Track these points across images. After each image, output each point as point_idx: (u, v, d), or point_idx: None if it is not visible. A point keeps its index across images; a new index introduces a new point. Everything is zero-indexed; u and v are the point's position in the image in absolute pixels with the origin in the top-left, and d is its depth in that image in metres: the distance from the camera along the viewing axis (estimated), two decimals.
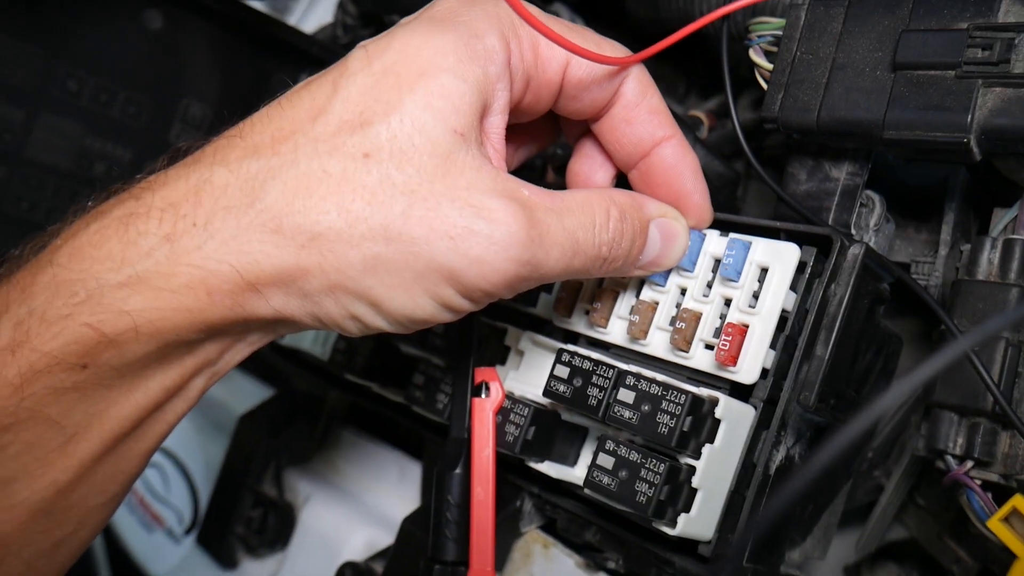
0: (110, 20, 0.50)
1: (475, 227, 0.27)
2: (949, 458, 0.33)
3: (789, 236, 0.33)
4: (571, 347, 0.34)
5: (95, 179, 0.52)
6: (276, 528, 0.47)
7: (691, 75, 0.63)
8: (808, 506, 0.36)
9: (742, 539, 0.31)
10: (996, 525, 0.28)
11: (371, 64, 0.28)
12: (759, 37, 0.37)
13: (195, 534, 0.52)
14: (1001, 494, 0.32)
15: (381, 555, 0.42)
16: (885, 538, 0.43)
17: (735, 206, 0.48)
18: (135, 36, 0.51)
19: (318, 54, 0.55)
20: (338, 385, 0.46)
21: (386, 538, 0.43)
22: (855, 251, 0.31)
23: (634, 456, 0.31)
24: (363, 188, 0.27)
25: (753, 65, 0.37)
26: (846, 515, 0.41)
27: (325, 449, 0.50)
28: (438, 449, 0.42)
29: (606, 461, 0.31)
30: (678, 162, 0.33)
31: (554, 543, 0.38)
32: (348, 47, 0.57)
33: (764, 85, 0.35)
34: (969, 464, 0.32)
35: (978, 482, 0.31)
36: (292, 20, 0.67)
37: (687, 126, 0.44)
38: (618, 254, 0.31)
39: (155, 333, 0.27)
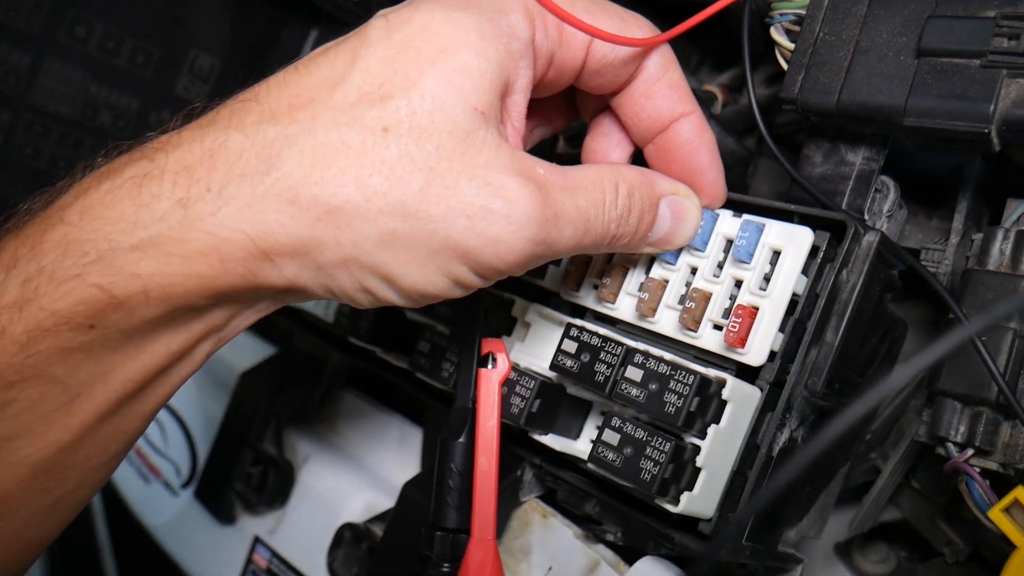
0: None
1: (492, 206, 0.27)
2: (950, 445, 0.33)
3: (803, 220, 0.33)
4: (579, 322, 0.34)
5: (100, 128, 0.51)
6: (275, 486, 0.47)
7: (704, 48, 0.62)
8: (806, 487, 0.36)
9: (742, 518, 0.31)
10: (997, 515, 0.28)
11: (391, 35, 0.28)
12: (781, 15, 0.36)
13: (193, 488, 0.53)
14: (999, 483, 0.32)
15: (380, 518, 0.42)
16: (878, 519, 0.43)
17: (745, 184, 0.47)
18: None
19: (329, 10, 0.55)
20: (341, 347, 0.46)
21: (385, 501, 0.44)
22: (870, 238, 0.31)
23: (640, 434, 0.31)
24: (382, 163, 0.26)
25: (773, 43, 0.37)
26: (841, 495, 0.42)
27: (325, 410, 0.50)
28: (440, 416, 0.43)
29: (611, 437, 0.32)
30: (695, 138, 0.33)
31: (553, 513, 0.39)
32: (359, 5, 0.56)
33: (784, 65, 0.35)
34: (970, 452, 0.32)
35: (978, 470, 0.32)
36: None
37: (702, 101, 0.44)
38: (626, 231, 0.30)
39: (165, 298, 0.27)
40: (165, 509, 0.55)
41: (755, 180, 0.50)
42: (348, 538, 0.42)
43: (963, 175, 0.35)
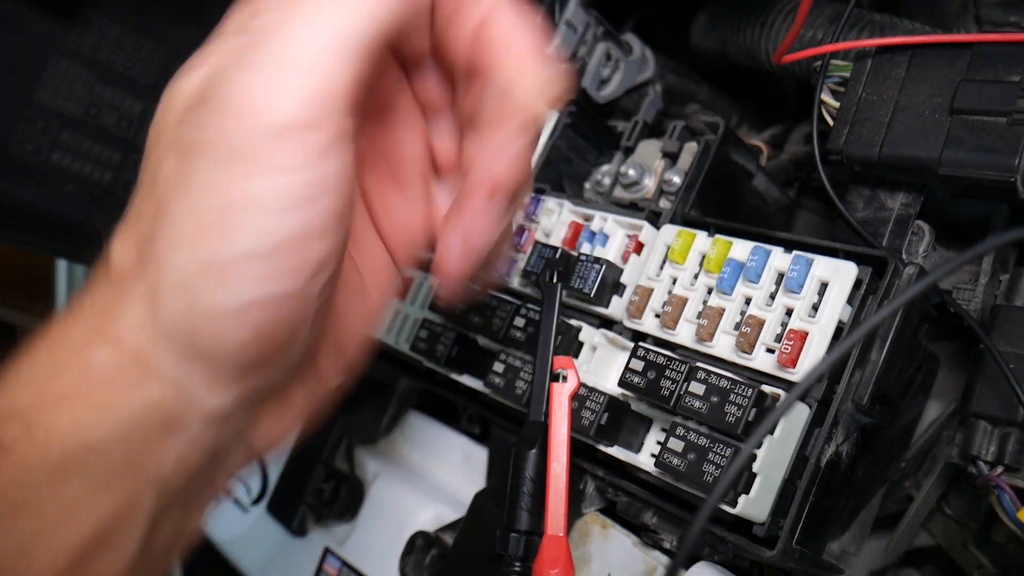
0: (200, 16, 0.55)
1: None
2: (981, 464, 0.36)
3: (847, 256, 0.37)
4: (646, 344, 0.38)
5: (103, 127, 0.54)
6: (346, 500, 0.50)
7: (744, 108, 0.67)
8: (849, 502, 0.39)
9: (795, 520, 0.34)
10: None
11: None
12: (828, 77, 0.41)
13: (264, 504, 0.56)
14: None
15: (450, 527, 0.46)
16: (912, 544, 0.46)
17: (788, 230, 0.52)
18: None
19: None
20: (411, 372, 0.50)
21: (452, 514, 0.47)
22: (910, 271, 0.35)
23: (703, 441, 0.35)
24: None
25: (819, 103, 0.41)
26: (877, 522, 0.45)
27: (394, 431, 0.54)
28: (505, 434, 0.46)
29: (676, 444, 0.35)
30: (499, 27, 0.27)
31: (612, 524, 0.42)
32: None
33: (831, 121, 0.40)
34: (1000, 469, 0.36)
35: (1007, 484, 0.35)
36: None
37: (751, 155, 0.48)
38: None
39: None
40: (235, 525, 0.58)
41: (795, 229, 0.54)
42: (420, 545, 0.45)
43: (991, 221, 0.40)
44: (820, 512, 0.36)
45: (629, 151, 0.50)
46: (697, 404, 0.35)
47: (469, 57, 0.28)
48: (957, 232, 0.41)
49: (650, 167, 0.48)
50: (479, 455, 0.50)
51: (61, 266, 0.93)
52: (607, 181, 0.50)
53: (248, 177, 0.24)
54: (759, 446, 0.34)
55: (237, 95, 0.24)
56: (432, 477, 0.50)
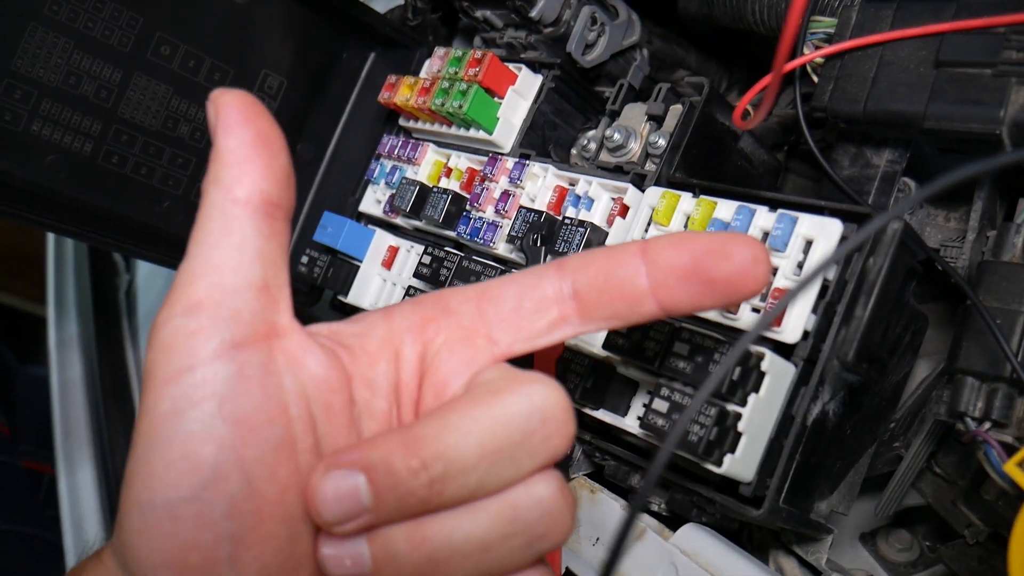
0: None
1: None
2: (969, 420, 0.36)
3: (832, 213, 0.36)
4: None
5: (179, 139, 0.56)
6: None
7: (733, 71, 0.66)
8: (837, 461, 0.39)
9: (781, 479, 0.34)
10: (1012, 469, 0.31)
11: None
12: (812, 34, 0.40)
13: None
14: (1012, 454, 0.35)
15: None
16: (902, 504, 0.46)
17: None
18: (225, 9, 0.55)
19: (388, 34, 0.59)
20: None
21: None
22: (895, 226, 0.34)
23: (687, 401, 0.34)
24: None
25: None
26: (867, 484, 0.45)
27: None
28: None
29: (661, 405, 0.35)
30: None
31: (600, 488, 0.42)
32: (416, 29, 0.61)
33: (815, 78, 0.39)
34: (987, 425, 0.36)
35: (995, 439, 0.35)
36: None
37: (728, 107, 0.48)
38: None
39: None
40: None
41: (783, 191, 0.54)
42: None
43: (978, 177, 0.39)
44: (807, 471, 0.36)
45: (615, 115, 0.49)
46: (681, 364, 0.35)
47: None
48: (944, 191, 0.41)
49: (635, 130, 0.47)
50: None
51: (50, 245, 0.92)
52: (592, 146, 0.49)
53: (148, 391, 0.27)
54: (744, 406, 0.34)
55: (150, 331, 0.27)
56: None
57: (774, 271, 0.36)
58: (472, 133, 0.51)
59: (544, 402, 0.28)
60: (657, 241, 0.28)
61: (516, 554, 0.28)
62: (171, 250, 0.58)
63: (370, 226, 0.56)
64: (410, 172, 0.54)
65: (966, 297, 0.37)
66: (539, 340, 0.30)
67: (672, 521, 0.39)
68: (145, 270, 0.84)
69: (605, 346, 0.38)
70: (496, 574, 0.28)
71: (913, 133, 0.36)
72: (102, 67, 0.52)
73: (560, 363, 0.39)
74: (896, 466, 0.46)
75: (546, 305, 0.30)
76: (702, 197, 0.39)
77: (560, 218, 0.44)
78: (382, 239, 0.54)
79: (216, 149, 0.28)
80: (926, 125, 0.35)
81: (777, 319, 0.35)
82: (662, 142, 0.45)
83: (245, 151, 0.28)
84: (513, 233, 0.44)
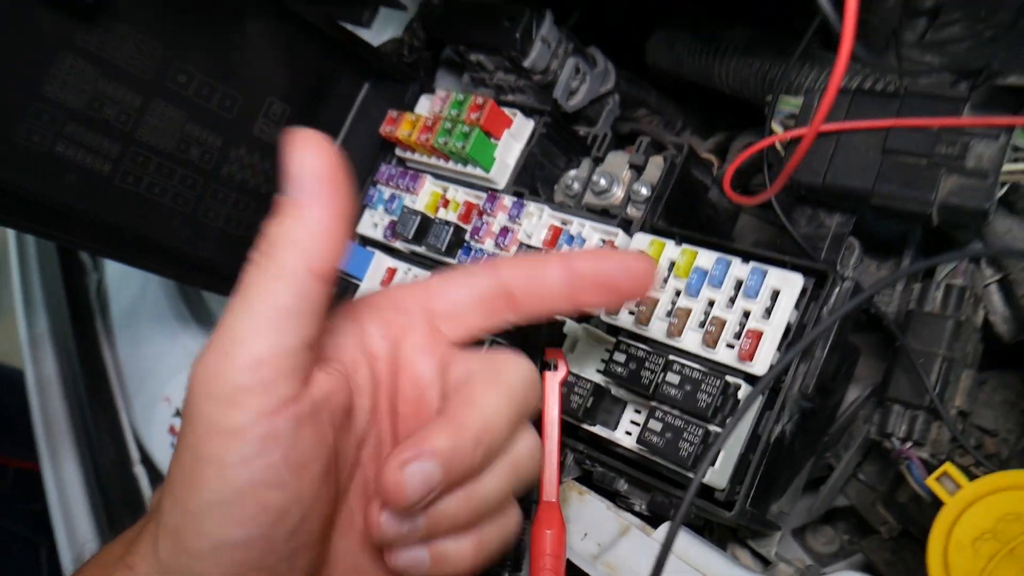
0: (220, 26, 0.58)
1: None
2: (895, 440, 0.45)
3: (794, 268, 0.44)
4: (627, 339, 0.45)
5: (190, 161, 0.59)
6: None
7: (688, 114, 0.74)
8: (787, 471, 0.47)
9: (749, 487, 0.42)
10: (932, 483, 0.39)
11: None
12: (778, 112, 0.48)
13: None
14: (929, 468, 0.44)
15: None
16: (831, 504, 0.55)
17: (732, 232, 0.59)
18: (237, 40, 0.59)
19: (383, 68, 0.64)
20: None
21: None
22: (847, 286, 0.42)
23: (678, 423, 0.41)
24: None
25: (771, 131, 0.48)
26: (803, 486, 0.53)
27: None
28: None
29: (655, 425, 0.42)
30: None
31: (588, 491, 0.49)
32: (411, 66, 0.66)
33: (782, 151, 0.47)
34: (909, 444, 0.44)
35: (916, 456, 0.43)
36: (366, 33, 0.73)
37: (707, 170, 0.55)
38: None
39: None
40: None
41: (738, 229, 0.61)
42: None
43: (908, 239, 0.48)
44: (767, 480, 0.44)
45: (599, 161, 0.56)
46: (673, 392, 0.42)
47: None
48: (880, 246, 0.49)
49: (618, 176, 0.54)
50: None
51: (11, 242, 0.93)
52: (577, 186, 0.56)
53: (208, 437, 0.29)
54: (723, 427, 0.41)
55: (198, 373, 0.30)
56: None
57: (746, 315, 0.44)
58: (470, 169, 0.57)
59: (528, 370, 0.37)
60: (578, 255, 0.38)
61: (516, 487, 0.36)
62: (179, 265, 0.62)
63: (369, 248, 0.61)
64: (408, 200, 0.60)
65: (895, 338, 0.45)
66: (479, 331, 0.38)
67: (652, 520, 0.47)
68: (113, 269, 0.86)
69: (604, 372, 0.45)
70: (502, 504, 0.36)
71: (861, 206, 0.44)
72: (124, 93, 0.55)
73: (565, 385, 0.46)
74: (827, 473, 0.54)
75: (483, 301, 0.37)
76: (684, 246, 0.47)
77: None
78: (381, 261, 0.60)
79: (303, 212, 0.30)
80: (873, 201, 0.43)
81: (749, 354, 0.43)
82: (644, 191, 0.51)
83: (331, 225, 0.31)
84: None
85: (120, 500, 0.69)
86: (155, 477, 0.69)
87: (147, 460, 0.71)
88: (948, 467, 0.39)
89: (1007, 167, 0.40)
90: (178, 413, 0.70)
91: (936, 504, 0.40)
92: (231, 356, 0.29)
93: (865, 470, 0.53)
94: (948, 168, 0.41)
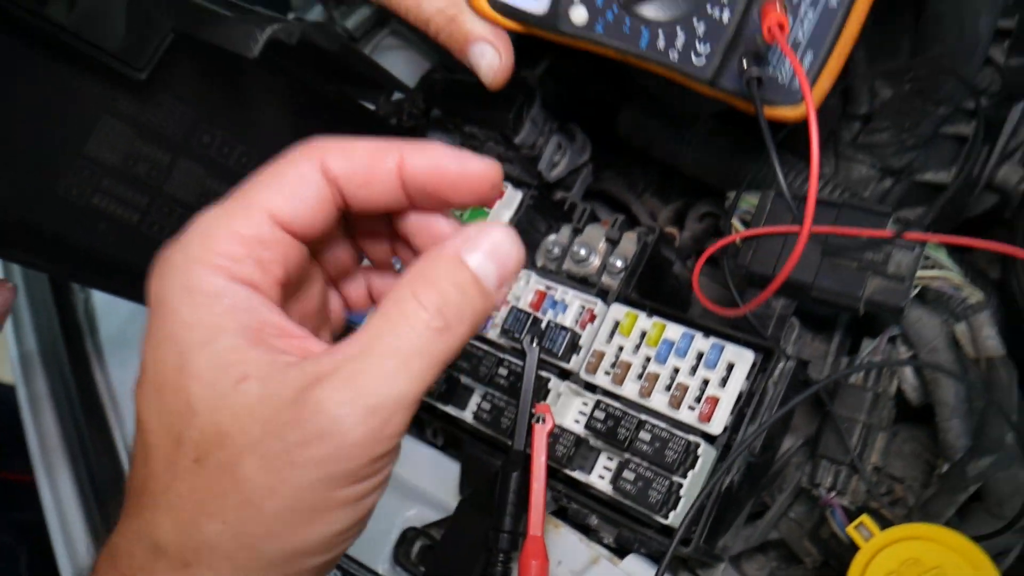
0: (245, 95, 0.64)
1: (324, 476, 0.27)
2: (821, 489, 0.54)
3: (747, 344, 0.53)
4: (607, 400, 0.53)
5: (137, 175, 0.64)
6: None
7: (648, 177, 0.83)
8: (733, 512, 0.56)
9: (703, 527, 0.50)
10: (851, 531, 0.48)
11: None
12: (737, 208, 0.56)
13: None
14: (849, 514, 0.53)
15: (435, 524, 0.59)
16: (766, 537, 0.64)
17: (689, 299, 0.68)
18: (258, 106, 0.65)
19: (386, 134, 0.71)
20: None
21: (433, 514, 0.60)
22: (790, 364, 0.51)
23: (648, 474, 0.50)
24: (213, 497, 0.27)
25: (731, 226, 0.57)
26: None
27: None
28: (477, 452, 0.59)
29: (629, 475, 0.50)
30: (427, 159, 0.32)
31: (562, 524, 0.57)
32: (410, 130, 0.73)
33: (739, 244, 0.55)
34: (833, 493, 0.53)
35: (839, 504, 0.53)
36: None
37: (673, 248, 0.64)
38: (454, 320, 0.29)
39: None
40: None
41: (696, 299, 0.70)
42: (411, 537, 0.58)
43: (839, 321, 0.57)
44: (718, 520, 0.52)
45: (578, 232, 0.64)
46: (644, 447, 0.50)
47: (400, 204, 0.33)
48: (815, 323, 0.58)
49: (595, 247, 0.62)
50: (446, 464, 0.63)
51: None
52: (557, 251, 0.64)
53: (338, 488, 0.28)
54: (684, 478, 0.50)
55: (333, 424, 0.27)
56: (409, 483, 0.63)
57: (705, 382, 0.52)
58: None
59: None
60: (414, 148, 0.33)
61: None
62: None
63: None
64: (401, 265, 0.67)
65: (824, 404, 0.54)
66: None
67: (619, 551, 0.55)
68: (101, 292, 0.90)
69: (586, 427, 0.53)
70: None
71: (803, 295, 0.53)
72: (155, 152, 0.61)
73: (551, 436, 0.53)
74: (762, 509, 0.63)
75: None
76: (655, 319, 0.55)
77: (543, 317, 0.58)
78: None
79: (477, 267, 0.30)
80: (812, 294, 0.52)
81: (707, 416, 0.51)
82: (619, 263, 0.60)
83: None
84: (506, 327, 0.58)
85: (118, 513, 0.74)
86: None
87: None
88: (864, 518, 0.48)
89: (920, 273, 0.50)
90: None
91: (853, 547, 0.49)
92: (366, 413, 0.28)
93: (795, 509, 0.63)
94: (873, 271, 0.50)
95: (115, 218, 0.61)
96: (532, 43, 0.52)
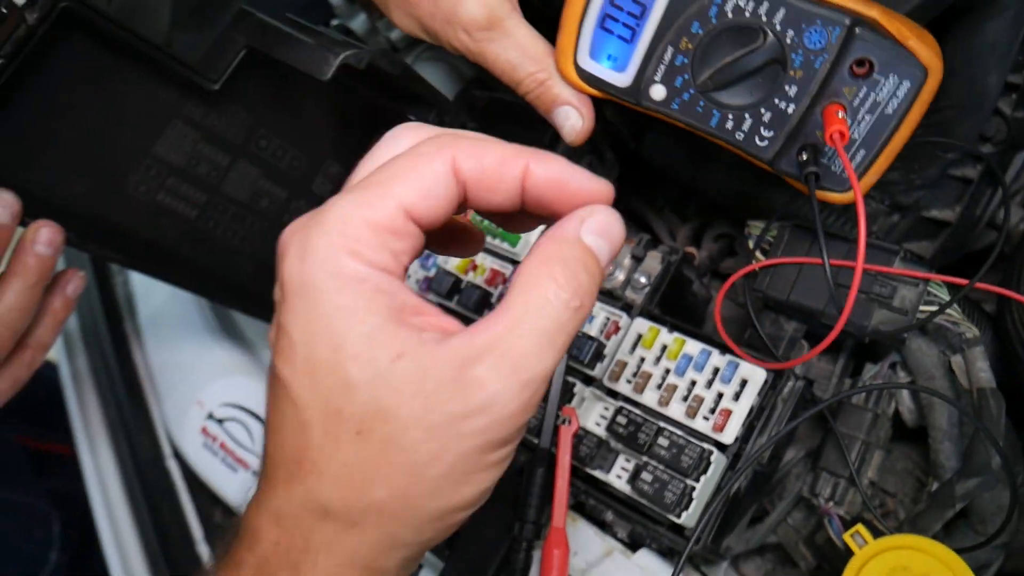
0: (302, 101, 0.69)
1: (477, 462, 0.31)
2: (820, 499, 0.58)
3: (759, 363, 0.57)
4: (628, 407, 0.58)
5: (259, 210, 0.70)
6: None
7: (667, 196, 0.87)
8: (739, 515, 0.60)
9: (712, 527, 0.55)
10: (847, 538, 0.53)
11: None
12: (758, 237, 0.61)
13: None
14: (844, 523, 0.58)
15: None
16: (765, 540, 0.69)
17: (704, 315, 0.72)
18: (311, 112, 0.70)
19: None
20: None
21: None
22: (799, 384, 0.56)
23: (665, 476, 0.54)
24: (376, 467, 0.31)
25: (752, 254, 0.61)
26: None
27: None
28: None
29: (647, 476, 0.55)
30: (550, 171, 0.34)
31: (580, 518, 0.61)
32: None
33: (757, 270, 0.60)
34: (831, 503, 0.58)
35: (836, 514, 0.57)
36: None
37: (693, 267, 0.68)
38: (585, 298, 0.32)
39: None
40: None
41: (710, 310, 0.75)
42: None
43: (844, 345, 0.62)
44: (725, 522, 0.57)
45: None
46: (662, 452, 0.55)
47: (520, 205, 0.35)
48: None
49: (621, 263, 0.66)
50: None
51: None
52: None
53: (492, 451, 0.32)
54: (698, 481, 0.54)
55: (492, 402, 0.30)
56: None
57: (720, 396, 0.57)
58: (498, 242, 0.69)
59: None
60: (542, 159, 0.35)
61: None
62: (241, 298, 0.72)
63: None
64: (442, 260, 0.71)
65: (827, 421, 0.59)
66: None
67: (631, 545, 0.59)
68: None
69: (607, 430, 0.57)
70: None
71: (813, 320, 0.57)
72: (216, 154, 0.66)
73: (575, 436, 0.58)
74: (763, 513, 0.68)
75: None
76: (675, 335, 0.60)
77: None
78: None
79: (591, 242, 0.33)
80: (822, 320, 0.56)
81: (720, 427, 0.56)
82: (643, 280, 0.64)
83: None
84: None
85: (156, 488, 0.78)
86: (187, 473, 0.79)
87: (179, 456, 0.80)
88: (860, 527, 0.53)
89: (922, 307, 0.55)
90: (210, 416, 0.80)
91: (848, 552, 0.54)
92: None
93: (793, 516, 0.67)
94: (880, 303, 0.55)
95: (176, 213, 0.65)
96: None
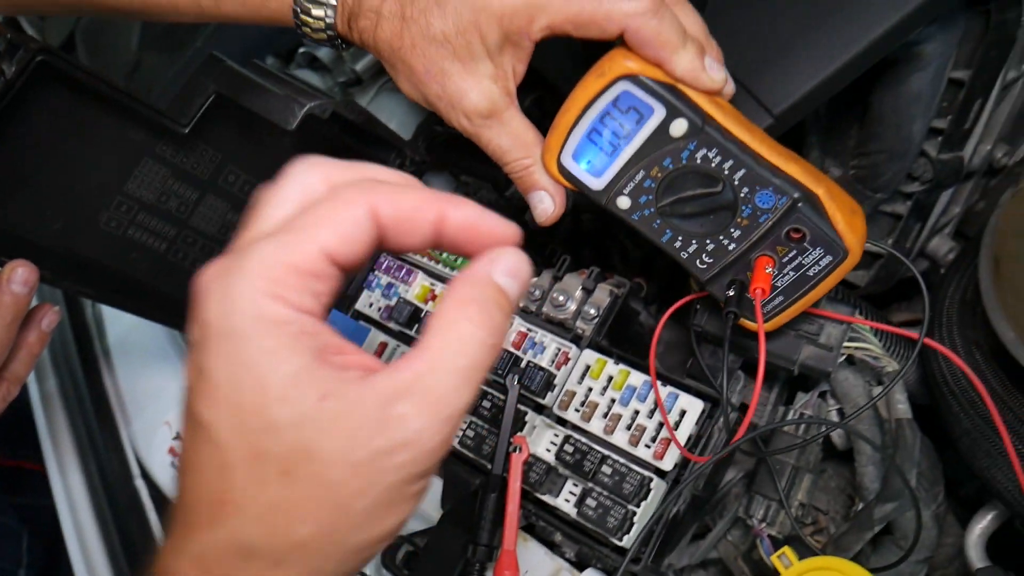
0: (268, 141, 0.72)
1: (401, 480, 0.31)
2: (754, 519, 0.63)
3: (697, 394, 0.61)
4: (575, 435, 0.61)
5: (228, 242, 0.72)
6: None
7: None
8: (679, 535, 0.65)
9: (652, 548, 0.59)
10: (774, 559, 0.57)
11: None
12: None
13: None
14: (775, 543, 0.62)
15: (419, 534, 0.67)
16: (706, 556, 0.73)
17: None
18: (277, 150, 0.73)
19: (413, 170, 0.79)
20: None
21: (417, 524, 0.68)
22: (733, 415, 0.60)
23: (608, 502, 0.58)
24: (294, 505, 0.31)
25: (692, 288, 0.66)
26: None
27: None
28: (458, 470, 0.68)
29: (591, 502, 0.59)
30: (463, 216, 0.35)
31: (530, 538, 0.65)
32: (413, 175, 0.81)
33: (698, 306, 0.64)
34: (763, 524, 0.62)
35: (767, 533, 0.62)
36: None
37: (640, 299, 0.72)
38: (499, 335, 0.33)
39: None
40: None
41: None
42: (396, 544, 0.66)
43: (777, 376, 0.66)
44: (665, 543, 0.61)
45: (558, 279, 0.72)
46: (606, 479, 0.59)
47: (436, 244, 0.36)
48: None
49: (572, 294, 0.70)
50: (435, 483, 0.71)
51: None
52: (538, 293, 0.72)
53: (413, 483, 0.32)
54: (638, 507, 0.58)
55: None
56: None
57: (661, 424, 0.61)
58: (455, 273, 0.72)
59: None
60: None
61: None
62: None
63: (364, 323, 0.76)
64: (402, 290, 0.75)
65: (761, 449, 0.63)
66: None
67: (578, 565, 0.63)
68: None
69: (556, 457, 0.61)
70: None
71: (749, 353, 0.62)
72: (186, 190, 0.68)
73: (526, 464, 0.62)
74: (704, 531, 0.72)
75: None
76: (621, 366, 0.64)
77: (523, 356, 0.66)
78: (375, 336, 0.74)
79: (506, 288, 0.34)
80: (756, 354, 0.61)
81: (660, 455, 0.60)
82: (593, 311, 0.68)
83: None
84: None
85: (124, 507, 0.81)
86: (155, 493, 0.81)
87: (147, 476, 0.83)
88: (786, 549, 0.57)
89: (846, 344, 0.59)
90: (178, 436, 0.82)
91: (776, 573, 0.58)
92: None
93: (732, 533, 0.72)
94: (808, 340, 0.59)
95: (145, 247, 0.68)
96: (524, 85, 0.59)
